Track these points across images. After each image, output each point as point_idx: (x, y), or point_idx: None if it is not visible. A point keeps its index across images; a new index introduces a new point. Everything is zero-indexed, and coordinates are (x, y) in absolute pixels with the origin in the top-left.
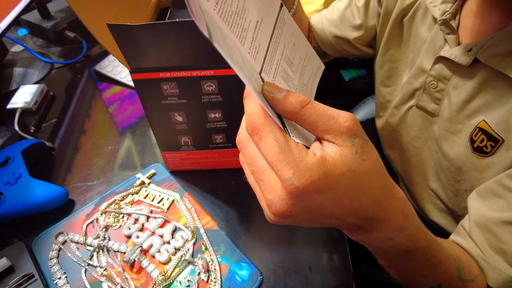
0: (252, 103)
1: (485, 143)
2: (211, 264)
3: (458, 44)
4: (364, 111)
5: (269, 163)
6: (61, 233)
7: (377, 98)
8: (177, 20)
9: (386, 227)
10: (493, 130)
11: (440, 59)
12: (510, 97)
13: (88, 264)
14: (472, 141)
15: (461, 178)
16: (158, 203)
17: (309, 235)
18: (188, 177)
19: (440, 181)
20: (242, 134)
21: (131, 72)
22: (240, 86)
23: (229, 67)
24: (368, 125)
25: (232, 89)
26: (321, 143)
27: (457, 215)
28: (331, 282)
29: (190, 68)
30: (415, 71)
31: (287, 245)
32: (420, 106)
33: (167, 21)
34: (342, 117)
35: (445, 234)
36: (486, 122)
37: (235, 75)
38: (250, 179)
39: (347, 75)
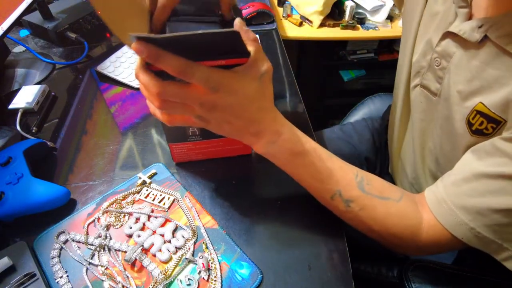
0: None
1: (485, 125)
2: (212, 263)
3: (469, 19)
4: (363, 111)
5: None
6: (62, 232)
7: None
8: (198, 32)
9: (267, 130)
10: (493, 112)
11: (448, 35)
12: (511, 78)
13: (90, 263)
14: (470, 124)
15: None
16: (159, 202)
17: (308, 235)
18: (189, 177)
19: (439, 165)
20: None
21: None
22: None
23: (240, 56)
24: (367, 124)
25: None
26: None
27: None
28: (331, 281)
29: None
30: (424, 48)
31: (286, 244)
32: (424, 85)
33: (188, 33)
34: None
35: None
36: (483, 104)
37: (242, 64)
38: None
39: (346, 76)
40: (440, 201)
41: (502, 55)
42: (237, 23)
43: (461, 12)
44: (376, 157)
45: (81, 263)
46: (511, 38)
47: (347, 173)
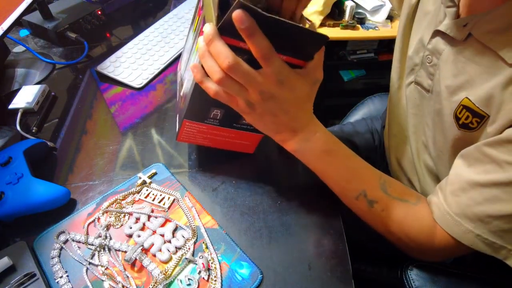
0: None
1: (471, 119)
2: (212, 263)
3: (457, 18)
4: (363, 111)
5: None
6: (62, 232)
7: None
8: (297, 24)
9: (305, 128)
10: (477, 107)
11: (437, 33)
12: (493, 74)
13: (90, 263)
14: (457, 118)
15: (453, 153)
16: (159, 202)
17: (308, 235)
18: (189, 177)
19: (432, 159)
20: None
21: (220, 30)
22: None
23: (300, 58)
24: (367, 124)
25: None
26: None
27: None
28: (331, 281)
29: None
30: (417, 45)
31: (287, 244)
32: (418, 82)
33: (287, 21)
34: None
35: None
36: (469, 99)
37: (297, 65)
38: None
39: (346, 75)
40: (443, 213)
41: (485, 51)
42: None
43: (449, 11)
44: (376, 156)
45: (81, 263)
46: (492, 35)
47: (372, 174)
